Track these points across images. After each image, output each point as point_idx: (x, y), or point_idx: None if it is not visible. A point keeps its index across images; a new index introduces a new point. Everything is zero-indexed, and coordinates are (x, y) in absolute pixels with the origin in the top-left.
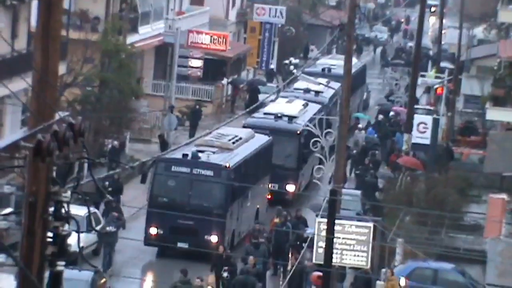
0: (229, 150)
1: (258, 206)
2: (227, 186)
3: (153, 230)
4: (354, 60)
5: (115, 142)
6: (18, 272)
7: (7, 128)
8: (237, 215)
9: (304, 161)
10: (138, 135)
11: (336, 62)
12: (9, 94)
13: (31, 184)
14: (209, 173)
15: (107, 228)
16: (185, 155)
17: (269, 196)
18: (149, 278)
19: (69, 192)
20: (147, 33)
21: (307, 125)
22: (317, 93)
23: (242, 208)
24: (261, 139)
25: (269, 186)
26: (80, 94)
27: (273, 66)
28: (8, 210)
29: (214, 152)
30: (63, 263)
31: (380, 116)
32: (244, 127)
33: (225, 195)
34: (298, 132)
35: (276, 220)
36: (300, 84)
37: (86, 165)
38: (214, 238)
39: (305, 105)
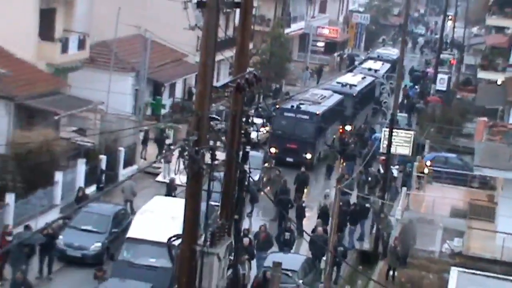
0: (318, 103)
1: (334, 137)
2: (316, 125)
3: (273, 150)
4: (396, 50)
5: (277, 85)
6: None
7: (222, 77)
8: (320, 143)
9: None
10: (289, 81)
11: (387, 51)
12: (223, 59)
13: (234, 105)
14: (306, 117)
15: None
16: (292, 106)
17: (341, 131)
18: None
19: (252, 110)
20: (295, 27)
21: (379, 78)
22: (350, 86)
23: (323, 138)
24: (336, 97)
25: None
26: (259, 60)
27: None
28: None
29: (309, 104)
30: (248, 147)
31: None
32: (324, 89)
33: (315, 130)
34: (354, 94)
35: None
36: (342, 79)
37: (261, 96)
38: (308, 156)
39: (363, 78)
